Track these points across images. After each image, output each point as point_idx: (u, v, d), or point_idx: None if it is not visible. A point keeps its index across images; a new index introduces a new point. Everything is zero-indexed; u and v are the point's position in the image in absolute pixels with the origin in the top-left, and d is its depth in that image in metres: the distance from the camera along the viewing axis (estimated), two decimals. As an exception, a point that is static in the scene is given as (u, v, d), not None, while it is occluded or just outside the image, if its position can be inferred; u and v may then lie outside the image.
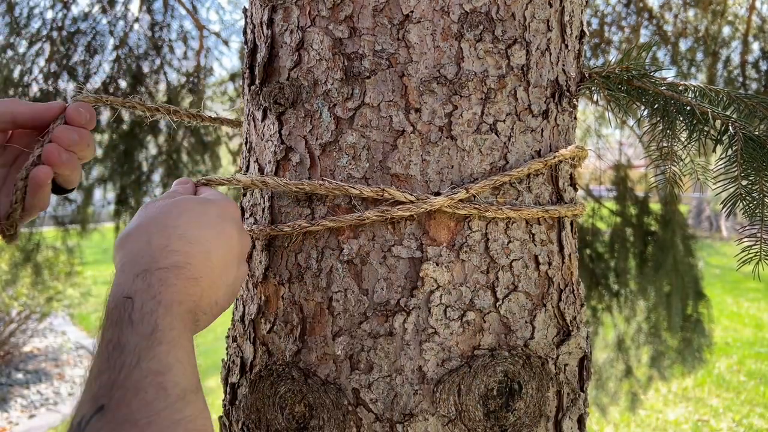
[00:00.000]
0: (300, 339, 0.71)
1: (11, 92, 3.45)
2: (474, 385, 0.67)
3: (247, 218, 0.79)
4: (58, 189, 0.68)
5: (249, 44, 0.79)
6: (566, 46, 0.76)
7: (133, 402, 0.45)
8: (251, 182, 0.71)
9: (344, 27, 0.69)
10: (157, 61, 3.83)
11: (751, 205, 0.75)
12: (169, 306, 0.53)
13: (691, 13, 3.59)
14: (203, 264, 0.58)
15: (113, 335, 0.50)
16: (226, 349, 0.84)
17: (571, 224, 0.78)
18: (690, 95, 0.82)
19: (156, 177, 3.86)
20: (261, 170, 0.77)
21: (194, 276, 0.57)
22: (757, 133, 0.77)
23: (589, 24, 3.51)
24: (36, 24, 3.56)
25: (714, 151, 0.82)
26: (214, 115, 0.75)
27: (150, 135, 3.77)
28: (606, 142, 3.88)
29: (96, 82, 3.66)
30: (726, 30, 3.51)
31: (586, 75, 0.82)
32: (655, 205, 3.29)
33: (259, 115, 0.77)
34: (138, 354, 0.48)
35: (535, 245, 0.72)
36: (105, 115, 3.74)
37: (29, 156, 0.65)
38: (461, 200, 0.67)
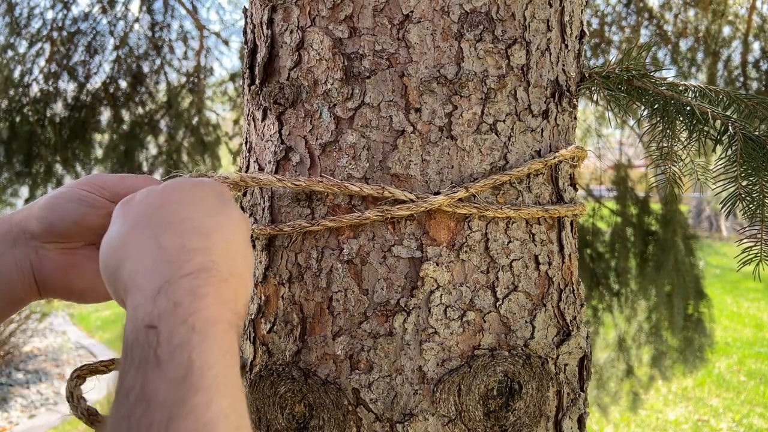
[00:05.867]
0: (300, 339, 0.71)
1: (11, 92, 3.45)
2: (474, 385, 0.67)
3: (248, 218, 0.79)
4: None
5: (249, 44, 0.79)
6: (566, 46, 0.76)
7: None
8: (240, 179, 0.66)
9: (344, 27, 0.69)
10: (158, 61, 3.84)
11: (751, 205, 0.75)
12: (204, 330, 0.41)
13: (691, 12, 3.59)
14: (227, 259, 0.48)
15: (135, 382, 0.39)
16: (226, 349, 0.84)
17: (571, 224, 0.78)
18: (690, 95, 0.82)
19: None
20: (261, 170, 0.77)
21: (224, 276, 0.47)
22: (756, 133, 0.77)
23: (589, 24, 3.51)
24: (36, 24, 3.57)
25: (714, 151, 0.82)
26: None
27: (150, 135, 3.78)
28: (606, 142, 3.88)
29: (96, 82, 3.67)
30: (726, 30, 3.51)
31: (586, 75, 0.82)
32: (655, 205, 3.29)
33: (259, 115, 0.77)
34: (169, 410, 0.37)
35: (535, 245, 0.72)
36: (105, 115, 3.74)
37: None
38: (461, 200, 0.67)
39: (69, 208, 0.61)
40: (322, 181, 0.68)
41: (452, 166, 0.69)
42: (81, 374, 0.61)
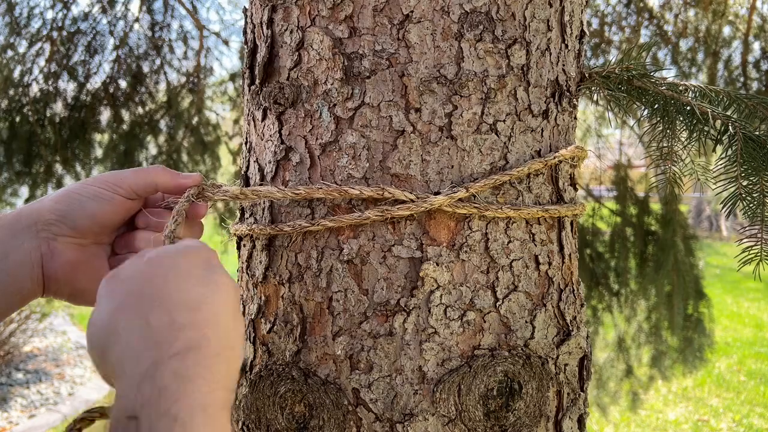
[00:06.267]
0: (300, 339, 0.71)
1: (11, 92, 3.45)
2: (474, 385, 0.67)
3: (247, 218, 0.79)
4: None
5: (249, 44, 0.79)
6: (566, 46, 0.76)
7: None
8: (240, 192, 0.67)
9: (344, 27, 0.69)
10: (157, 61, 3.83)
11: (751, 205, 0.75)
12: (189, 419, 0.40)
13: (691, 12, 3.59)
14: (217, 332, 0.48)
15: None
16: (226, 349, 0.84)
17: (571, 224, 0.78)
18: (690, 95, 0.82)
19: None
20: (261, 170, 0.77)
21: (216, 352, 0.46)
22: (757, 133, 0.77)
23: (589, 24, 3.51)
24: (36, 24, 3.57)
25: (714, 151, 0.82)
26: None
27: (150, 135, 3.78)
28: (606, 142, 3.88)
29: (96, 82, 3.67)
30: (726, 30, 3.51)
31: (586, 75, 0.82)
32: (655, 205, 3.29)
33: (259, 115, 0.77)
34: None
35: (535, 245, 0.72)
36: (105, 115, 3.74)
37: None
38: (461, 200, 0.67)
39: (85, 203, 0.62)
40: (321, 188, 0.68)
41: (452, 166, 0.69)
42: (87, 417, 0.59)
